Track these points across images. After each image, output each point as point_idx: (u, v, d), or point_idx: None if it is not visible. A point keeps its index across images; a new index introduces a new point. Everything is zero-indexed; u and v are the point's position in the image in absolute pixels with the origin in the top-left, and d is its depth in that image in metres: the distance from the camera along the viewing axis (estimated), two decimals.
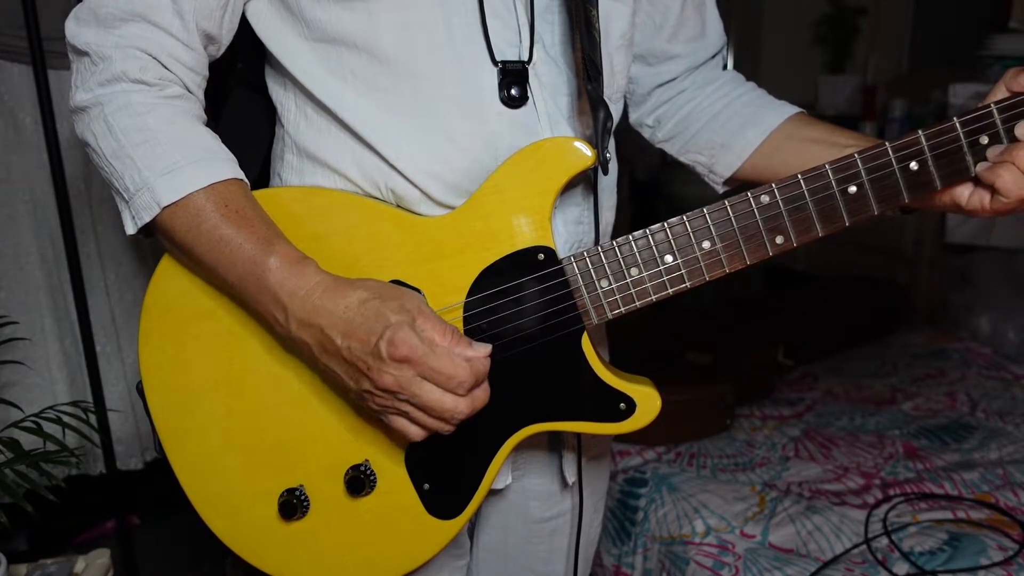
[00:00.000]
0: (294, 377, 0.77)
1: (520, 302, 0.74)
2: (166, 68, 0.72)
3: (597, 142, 0.73)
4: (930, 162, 0.71)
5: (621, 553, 1.67)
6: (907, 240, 2.72)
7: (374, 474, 0.77)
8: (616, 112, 0.85)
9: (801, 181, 0.72)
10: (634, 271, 0.74)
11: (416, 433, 0.71)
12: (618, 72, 0.84)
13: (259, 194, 0.76)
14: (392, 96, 0.74)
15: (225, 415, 0.78)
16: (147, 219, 0.70)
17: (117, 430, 1.78)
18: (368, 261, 0.75)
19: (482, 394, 0.69)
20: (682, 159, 0.97)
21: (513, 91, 0.74)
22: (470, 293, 0.75)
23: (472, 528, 0.98)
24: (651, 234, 0.73)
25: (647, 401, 0.76)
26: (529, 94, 0.75)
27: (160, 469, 0.83)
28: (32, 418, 1.28)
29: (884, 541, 1.43)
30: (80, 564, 1.26)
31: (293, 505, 0.77)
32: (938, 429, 1.87)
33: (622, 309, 0.75)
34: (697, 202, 0.75)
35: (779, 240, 0.73)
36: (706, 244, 0.73)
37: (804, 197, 0.72)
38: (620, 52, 0.83)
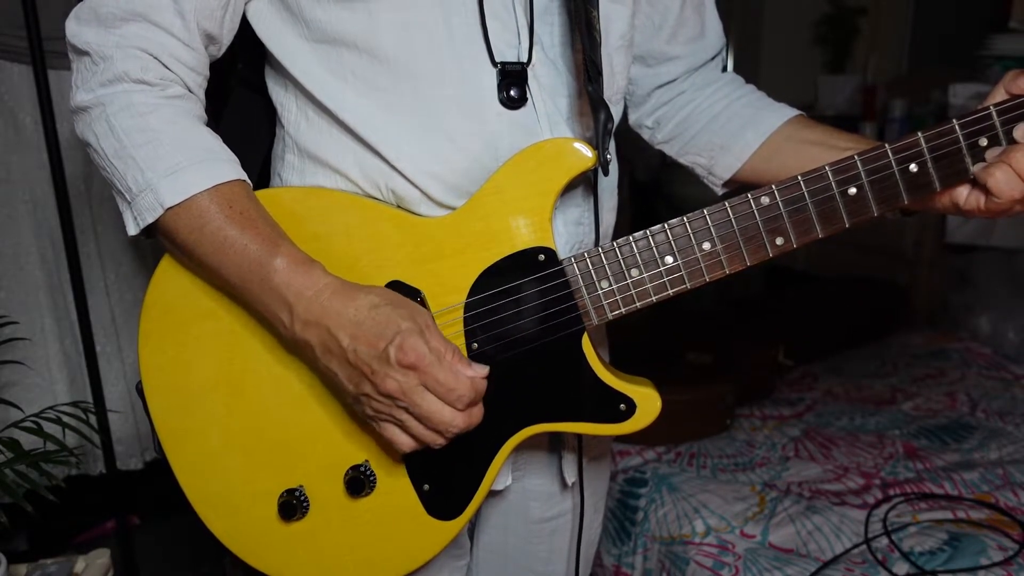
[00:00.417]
0: (294, 377, 0.77)
1: (520, 303, 0.74)
2: (167, 68, 0.72)
3: (598, 143, 0.73)
4: (929, 164, 0.71)
5: (621, 553, 1.67)
6: (907, 241, 2.72)
7: (374, 474, 0.77)
8: (616, 113, 0.85)
9: (801, 182, 0.72)
10: (634, 272, 0.74)
11: (406, 443, 0.71)
12: (618, 73, 0.84)
13: (259, 194, 0.76)
14: (392, 96, 0.74)
15: (225, 415, 0.78)
16: (150, 220, 0.70)
17: (117, 430, 1.78)
18: (368, 261, 0.75)
19: (478, 412, 0.71)
20: (681, 160, 0.97)
21: (512, 92, 0.74)
22: (470, 293, 0.75)
23: (472, 528, 0.98)
24: (651, 235, 0.73)
25: (647, 402, 0.76)
26: (528, 95, 0.75)
27: (160, 469, 0.83)
28: (32, 418, 1.28)
29: (884, 541, 1.43)
30: (80, 564, 1.26)
31: (293, 505, 0.77)
32: (938, 429, 1.87)
33: (622, 310, 0.75)
34: (697, 203, 0.75)
35: (779, 241, 0.73)
36: (706, 245, 0.73)
37: (804, 198, 0.73)
38: (620, 53, 0.83)
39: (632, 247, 0.74)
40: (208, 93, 0.78)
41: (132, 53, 0.70)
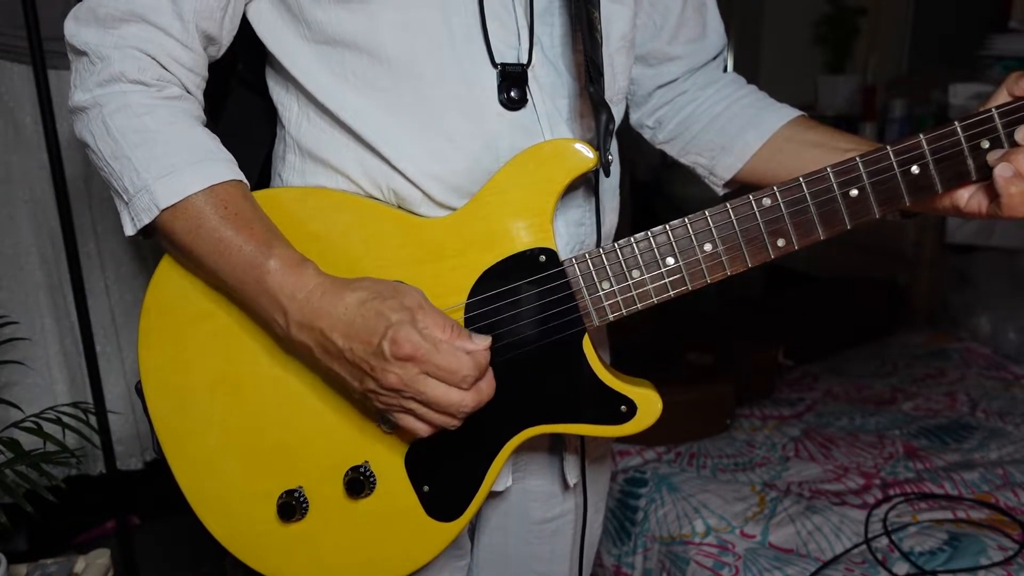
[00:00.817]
0: (294, 378, 0.77)
1: (521, 304, 0.74)
2: (165, 69, 0.71)
3: (599, 144, 0.73)
4: (931, 166, 0.71)
5: (621, 553, 1.67)
6: (907, 241, 2.72)
7: (373, 475, 0.77)
8: (618, 114, 0.85)
9: (803, 184, 0.72)
10: (635, 273, 0.74)
11: (423, 429, 0.70)
12: (619, 74, 0.84)
13: (259, 195, 0.75)
14: (392, 97, 0.74)
15: (224, 416, 0.78)
16: (146, 221, 0.70)
17: (117, 430, 1.78)
18: (369, 262, 0.75)
19: (486, 386, 0.69)
20: (682, 161, 0.97)
21: (513, 93, 0.74)
22: (471, 294, 0.75)
23: (473, 529, 0.98)
24: (652, 236, 0.73)
25: (648, 404, 0.76)
26: (528, 96, 0.75)
27: (160, 469, 0.82)
28: (32, 418, 1.28)
29: (884, 541, 1.43)
30: (80, 564, 1.26)
31: (292, 506, 0.77)
32: (938, 429, 1.87)
33: (623, 311, 0.75)
34: (698, 203, 0.75)
35: (780, 243, 0.73)
36: (708, 246, 0.73)
37: (806, 200, 0.72)
38: (621, 54, 0.83)
39: (633, 248, 0.74)
40: (208, 93, 0.77)
41: (130, 54, 0.70)
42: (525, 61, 0.75)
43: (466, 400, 0.68)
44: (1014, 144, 0.70)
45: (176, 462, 0.80)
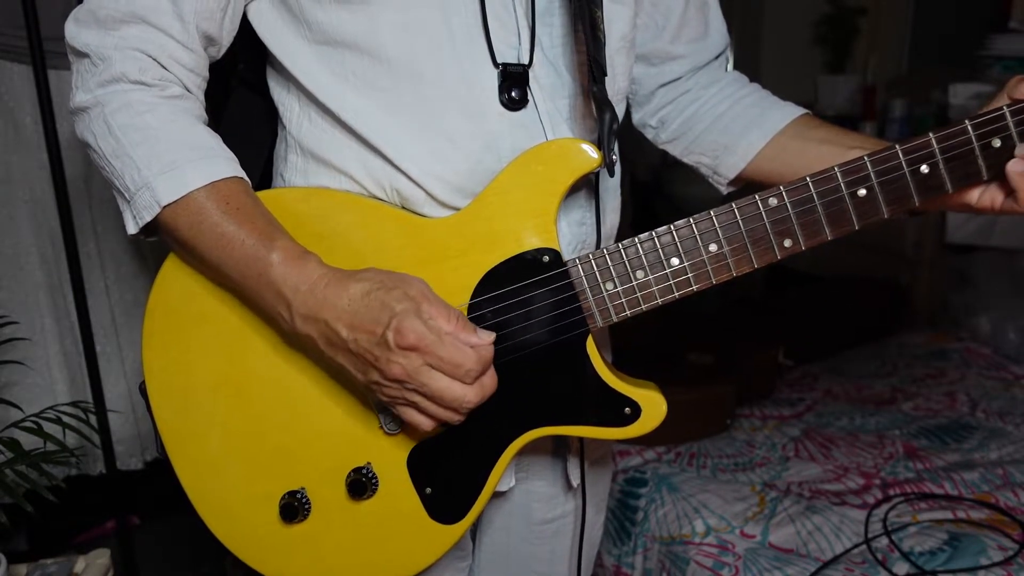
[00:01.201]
0: (297, 380, 0.77)
1: (524, 304, 0.74)
2: (166, 69, 0.71)
3: (603, 144, 0.73)
4: (941, 165, 0.70)
5: (621, 553, 1.66)
6: (907, 241, 2.72)
7: (376, 477, 0.77)
8: (619, 114, 0.85)
9: (810, 183, 0.72)
10: (640, 274, 0.74)
11: (426, 423, 0.70)
12: (619, 75, 0.84)
13: (262, 195, 0.75)
14: (393, 97, 0.74)
15: (227, 417, 0.78)
16: (148, 218, 0.70)
17: (117, 430, 1.78)
18: (372, 262, 0.75)
19: (489, 381, 0.69)
20: (686, 160, 0.97)
21: (514, 93, 0.74)
22: (474, 295, 0.74)
23: (475, 529, 0.98)
24: (657, 237, 0.73)
25: (652, 406, 0.76)
26: (530, 96, 0.75)
27: (160, 469, 0.82)
28: (32, 418, 1.28)
29: (884, 541, 1.43)
30: (80, 564, 1.25)
31: (294, 508, 0.77)
32: (938, 429, 1.87)
33: (627, 312, 0.75)
34: (699, 203, 0.75)
35: (787, 243, 0.73)
36: (713, 247, 0.73)
37: (813, 200, 0.72)
38: (621, 54, 0.83)
39: (638, 248, 0.73)
40: (209, 94, 0.77)
41: (131, 54, 0.70)
42: (526, 61, 0.74)
43: (468, 395, 0.67)
44: None
45: (179, 463, 0.80)
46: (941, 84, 2.69)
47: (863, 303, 2.64)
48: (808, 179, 0.72)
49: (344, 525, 0.78)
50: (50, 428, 1.28)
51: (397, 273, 0.70)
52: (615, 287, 0.74)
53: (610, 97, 0.80)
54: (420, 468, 0.77)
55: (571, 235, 0.79)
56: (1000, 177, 0.71)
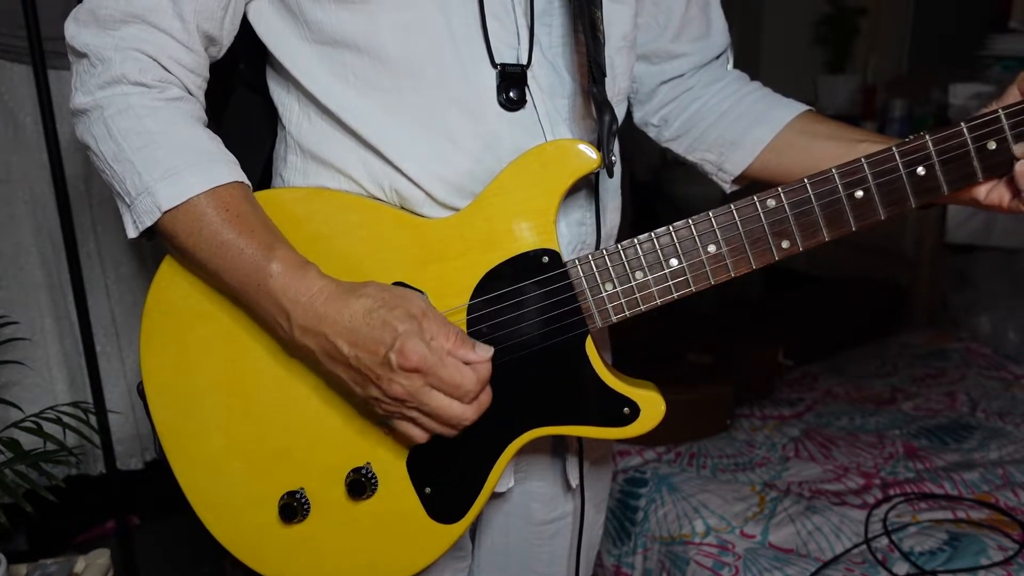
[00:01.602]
0: (296, 380, 0.77)
1: (524, 305, 0.74)
2: (166, 70, 0.71)
3: (602, 145, 0.73)
4: (937, 167, 0.71)
5: (621, 553, 1.67)
6: (907, 240, 2.72)
7: (375, 477, 0.77)
8: (619, 115, 0.85)
9: (807, 185, 0.72)
10: (639, 275, 0.74)
11: (421, 436, 0.72)
12: (620, 75, 0.84)
13: (260, 195, 0.75)
14: (393, 97, 0.74)
15: (226, 417, 0.78)
16: (148, 223, 0.70)
17: (117, 430, 1.78)
18: (371, 263, 0.75)
19: (486, 399, 0.71)
20: (689, 158, 0.96)
21: (512, 94, 0.74)
22: (474, 295, 0.74)
23: (474, 530, 0.98)
24: (656, 237, 0.73)
25: (651, 406, 0.76)
26: (528, 97, 0.75)
27: (160, 469, 0.82)
28: (32, 418, 1.28)
29: (884, 541, 1.44)
30: (80, 564, 1.25)
31: (293, 508, 0.77)
32: (938, 429, 1.87)
33: (627, 313, 0.75)
34: (699, 202, 0.75)
35: (785, 244, 0.73)
36: (712, 248, 0.73)
37: (810, 201, 0.72)
38: (621, 54, 0.83)
39: (637, 249, 0.73)
40: (209, 94, 0.77)
41: (131, 55, 0.69)
42: (524, 61, 0.74)
43: (467, 414, 0.69)
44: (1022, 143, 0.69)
45: (178, 463, 0.80)
46: (941, 84, 2.69)
47: (863, 303, 2.64)
48: (806, 180, 0.72)
49: (343, 525, 0.79)
50: (50, 428, 1.28)
51: (398, 289, 0.70)
52: (614, 288, 0.74)
53: (610, 98, 0.80)
54: (419, 468, 0.77)
55: (571, 236, 0.79)
56: (994, 177, 0.72)
